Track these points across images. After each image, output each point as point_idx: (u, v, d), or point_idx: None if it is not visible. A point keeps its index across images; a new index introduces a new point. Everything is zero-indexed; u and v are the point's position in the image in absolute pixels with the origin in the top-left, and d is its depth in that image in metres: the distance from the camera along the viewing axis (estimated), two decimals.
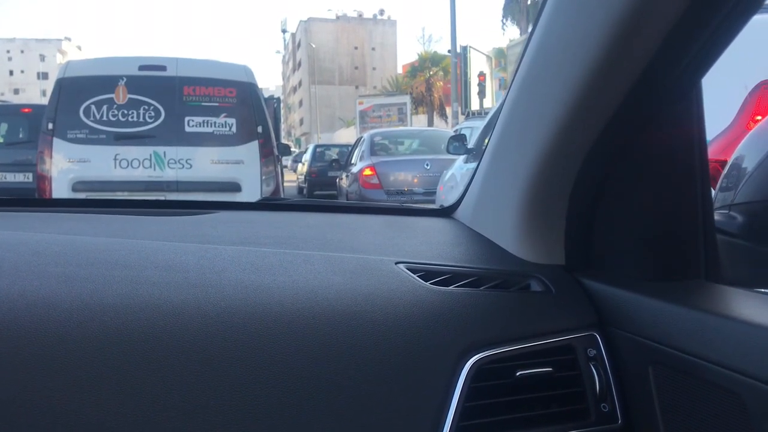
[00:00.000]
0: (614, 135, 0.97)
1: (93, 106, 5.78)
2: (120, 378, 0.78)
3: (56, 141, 5.71)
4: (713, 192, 1.04)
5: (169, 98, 5.92)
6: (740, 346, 0.76)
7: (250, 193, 5.99)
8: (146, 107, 5.87)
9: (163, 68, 6.02)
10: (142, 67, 5.98)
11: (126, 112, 5.84)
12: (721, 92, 2.55)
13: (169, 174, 5.90)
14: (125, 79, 5.85)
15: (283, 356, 0.83)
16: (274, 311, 0.88)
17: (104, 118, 5.80)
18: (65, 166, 5.74)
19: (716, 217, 1.00)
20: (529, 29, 1.05)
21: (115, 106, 5.81)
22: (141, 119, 5.86)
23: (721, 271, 0.97)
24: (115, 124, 5.81)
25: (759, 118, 2.67)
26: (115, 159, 5.83)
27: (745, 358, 0.75)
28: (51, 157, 5.69)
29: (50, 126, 5.72)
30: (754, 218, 0.99)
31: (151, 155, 5.88)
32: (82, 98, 5.76)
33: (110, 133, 5.80)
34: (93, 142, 5.76)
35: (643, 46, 0.84)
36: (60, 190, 5.64)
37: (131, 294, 0.87)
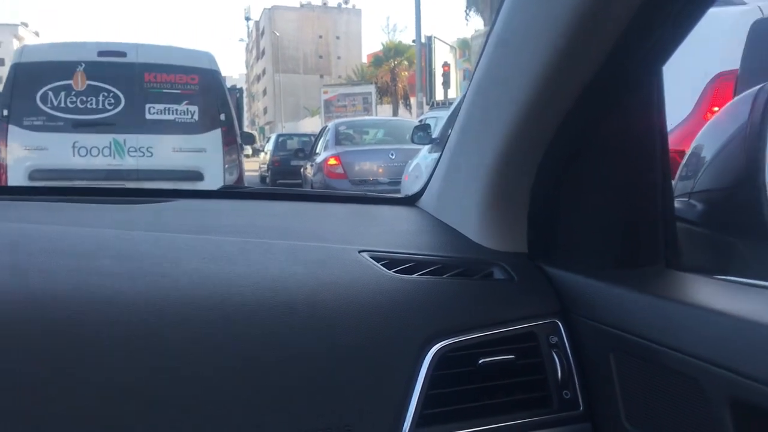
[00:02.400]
0: (575, 124, 0.97)
1: (50, 93, 5.64)
2: (70, 373, 0.75)
3: (12, 128, 5.53)
4: (673, 181, 1.05)
5: (129, 85, 5.79)
6: (698, 332, 0.77)
7: (213, 182, 5.90)
8: (105, 94, 5.74)
9: (123, 54, 5.87)
10: (101, 53, 5.83)
11: (85, 98, 5.70)
12: (682, 82, 2.60)
13: (130, 162, 5.78)
14: (84, 65, 5.70)
15: (243, 348, 0.82)
16: (233, 302, 0.86)
17: (62, 105, 5.67)
18: (21, 154, 5.57)
19: (676, 205, 1.01)
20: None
21: (73, 92, 5.67)
22: (100, 106, 5.73)
23: (681, 259, 0.99)
24: (73, 111, 5.68)
25: (716, 109, 2.72)
26: (74, 147, 5.69)
27: (703, 343, 0.76)
28: (6, 144, 5.52)
29: (5, 112, 5.53)
30: (713, 206, 1.00)
31: (110, 143, 5.75)
32: (39, 84, 5.60)
33: (68, 120, 5.67)
34: (50, 130, 5.62)
35: (603, 35, 0.84)
36: (16, 178, 5.49)
37: (82, 284, 0.85)
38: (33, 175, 5.57)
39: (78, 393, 0.75)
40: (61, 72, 5.69)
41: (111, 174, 5.70)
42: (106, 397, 0.75)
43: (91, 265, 0.90)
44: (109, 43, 6.11)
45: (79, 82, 5.70)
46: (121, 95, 5.78)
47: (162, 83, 5.94)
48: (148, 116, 5.88)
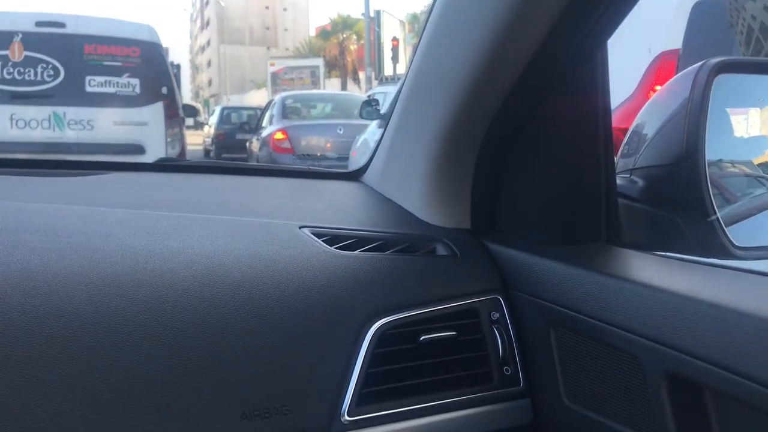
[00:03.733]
0: (520, 98, 0.97)
1: None
2: None
3: None
4: (616, 157, 1.05)
5: (68, 56, 5.77)
6: (636, 308, 0.78)
7: (155, 155, 5.94)
8: (44, 65, 5.70)
9: (62, 25, 5.86)
10: (39, 23, 5.78)
11: (22, 70, 5.65)
12: (627, 61, 2.63)
13: (70, 135, 5.80)
14: (21, 36, 5.64)
15: (177, 326, 0.79)
16: (166, 278, 0.82)
17: None
18: None
19: (618, 181, 1.02)
20: None
21: (10, 63, 5.63)
22: (39, 78, 5.69)
23: (621, 235, 0.99)
24: (10, 83, 5.64)
25: (658, 87, 2.77)
26: (11, 119, 5.66)
27: (641, 319, 0.76)
28: None
29: None
30: (654, 182, 1.01)
31: (50, 115, 5.75)
32: None
33: (5, 91, 5.64)
34: None
35: (548, 8, 0.84)
36: None
37: (6, 260, 0.80)
38: None
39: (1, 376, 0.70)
40: None
41: (50, 147, 5.66)
42: (30, 377, 0.71)
43: (15, 239, 0.85)
44: (48, 14, 6.02)
45: (16, 53, 5.64)
46: (60, 67, 5.73)
47: (102, 55, 5.94)
48: (88, 89, 5.88)
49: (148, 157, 5.92)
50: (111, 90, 6.03)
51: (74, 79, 5.85)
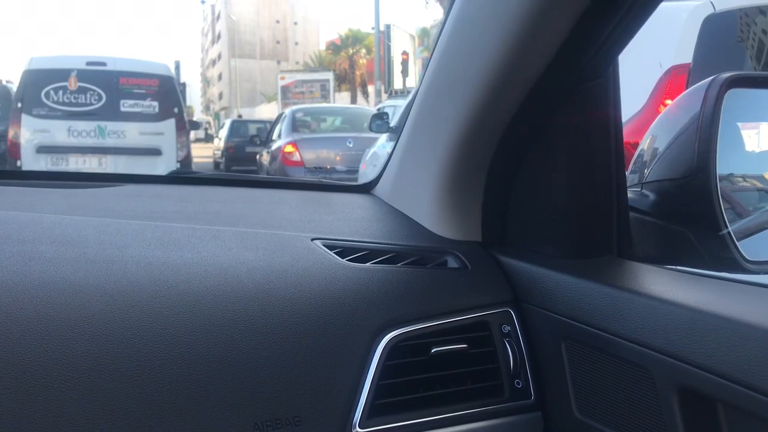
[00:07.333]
0: (531, 112, 0.97)
1: (52, 91, 7.95)
2: (8, 363, 0.72)
3: (24, 116, 7.87)
4: (626, 172, 1.05)
5: (108, 86, 8.13)
6: (648, 321, 0.77)
7: (169, 156, 8.36)
8: (92, 92, 8.08)
9: (104, 64, 8.31)
10: (88, 63, 8.27)
11: (77, 96, 8.03)
12: (637, 76, 2.63)
13: (109, 141, 8.12)
14: (76, 72, 8.03)
15: (190, 337, 0.79)
16: (180, 289, 0.83)
17: (60, 100, 8.00)
18: (31, 135, 7.93)
19: (629, 195, 1.02)
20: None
21: (68, 91, 8.00)
22: (88, 101, 8.07)
23: (633, 248, 0.99)
24: (68, 105, 8.00)
25: (669, 101, 2.77)
26: (69, 130, 7.98)
27: (652, 332, 0.76)
28: (20, 128, 7.89)
29: (19, 105, 7.95)
30: (665, 196, 1.01)
31: (95, 128, 8.05)
32: (44, 85, 7.92)
33: (65, 111, 7.98)
34: (52, 118, 7.94)
35: (559, 23, 0.84)
36: (26, 152, 7.85)
37: (23, 270, 0.81)
38: (40, 149, 7.88)
39: (18, 382, 0.71)
40: (59, 76, 7.99)
41: (95, 150, 8.08)
42: (47, 384, 0.72)
43: (32, 250, 0.86)
44: (94, 57, 8.53)
45: (73, 84, 8.03)
46: (102, 93, 8.13)
47: (132, 85, 8.33)
48: (122, 109, 8.23)
49: (164, 157, 8.29)
50: (138, 110, 8.30)
51: (112, 102, 8.14)
